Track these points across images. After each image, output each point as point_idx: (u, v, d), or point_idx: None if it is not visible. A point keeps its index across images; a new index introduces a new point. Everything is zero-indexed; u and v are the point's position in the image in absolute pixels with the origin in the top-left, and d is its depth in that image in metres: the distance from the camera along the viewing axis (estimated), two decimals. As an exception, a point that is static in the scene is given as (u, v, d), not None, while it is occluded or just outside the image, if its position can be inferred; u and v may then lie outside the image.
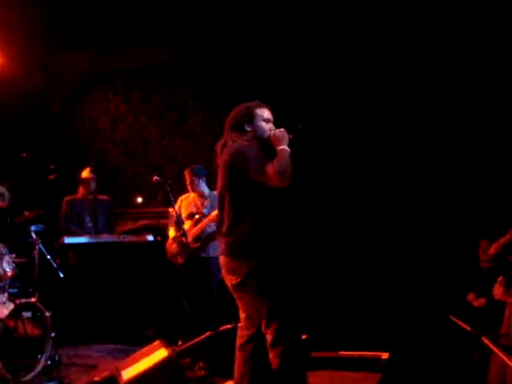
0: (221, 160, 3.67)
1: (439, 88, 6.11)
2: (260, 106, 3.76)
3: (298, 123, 3.74)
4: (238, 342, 3.74)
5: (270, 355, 3.52)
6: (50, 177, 6.11)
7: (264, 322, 3.52)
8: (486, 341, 4.09)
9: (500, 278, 4.17)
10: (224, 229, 3.61)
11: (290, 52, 6.63)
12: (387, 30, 6.20)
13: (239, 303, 3.71)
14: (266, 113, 3.74)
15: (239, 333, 3.76)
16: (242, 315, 3.73)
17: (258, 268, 3.49)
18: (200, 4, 6.54)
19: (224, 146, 3.68)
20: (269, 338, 3.51)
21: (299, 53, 6.60)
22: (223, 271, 3.65)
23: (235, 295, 3.68)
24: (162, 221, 6.86)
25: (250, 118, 3.70)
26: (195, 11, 6.64)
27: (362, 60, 6.36)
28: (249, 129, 3.69)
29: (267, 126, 3.71)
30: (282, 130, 3.65)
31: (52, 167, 6.11)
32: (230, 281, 3.61)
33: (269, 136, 3.66)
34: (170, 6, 6.70)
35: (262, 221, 3.54)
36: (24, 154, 5.25)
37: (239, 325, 3.79)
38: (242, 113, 3.74)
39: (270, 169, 3.43)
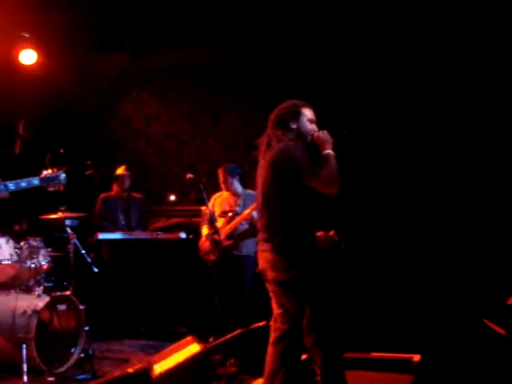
0: (265, 158, 3.64)
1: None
2: (305, 105, 3.72)
3: (342, 128, 3.72)
4: (271, 337, 3.71)
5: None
6: (87, 172, 6.19)
7: (305, 327, 3.49)
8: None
9: None
10: (270, 227, 3.58)
11: (326, 55, 6.62)
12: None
13: (276, 298, 3.67)
14: (310, 112, 3.71)
15: (273, 328, 3.73)
16: (277, 311, 3.69)
17: (304, 272, 3.46)
18: (237, 5, 6.58)
19: (269, 144, 3.65)
20: (309, 342, 3.49)
21: (336, 56, 6.58)
22: (267, 266, 3.59)
23: (274, 289, 3.63)
24: (194, 219, 6.91)
25: (296, 115, 3.65)
26: (233, 12, 6.68)
27: (411, 66, 6.31)
28: (294, 126, 3.64)
29: (311, 126, 3.68)
30: (326, 132, 3.63)
31: (88, 163, 6.19)
32: (273, 276, 3.57)
33: (312, 137, 3.64)
34: (206, 7, 6.76)
35: (310, 222, 3.56)
36: (61, 150, 5.32)
37: (272, 321, 3.78)
38: (288, 110, 3.68)
39: (322, 175, 3.45)
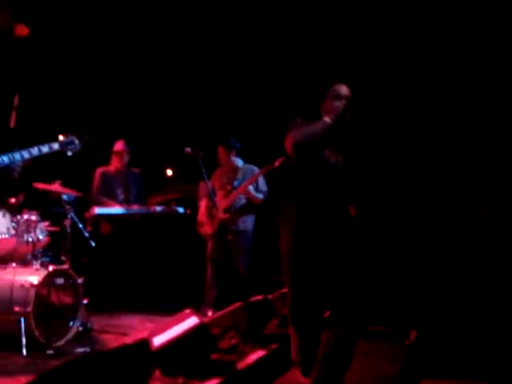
0: None
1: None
2: (336, 84, 3.70)
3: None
4: None
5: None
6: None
7: None
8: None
9: None
10: None
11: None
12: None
13: None
14: (339, 89, 3.67)
15: None
16: None
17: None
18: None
19: None
20: None
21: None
22: None
23: None
24: (192, 193, 6.87)
25: (325, 93, 3.68)
26: None
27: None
28: (324, 104, 3.68)
29: (337, 104, 3.63)
30: (344, 104, 3.58)
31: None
32: None
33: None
34: None
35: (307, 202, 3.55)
36: (86, 138, 5.29)
37: None
38: (325, 87, 3.71)
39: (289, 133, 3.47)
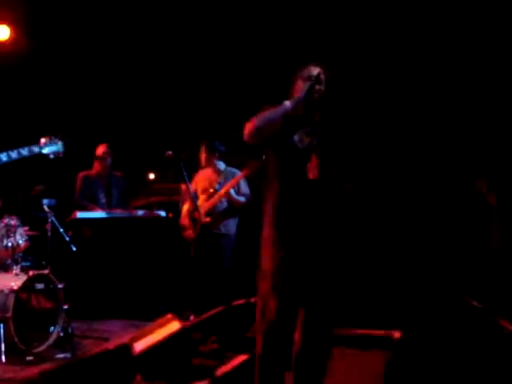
0: None
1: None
2: (311, 65, 3.34)
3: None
4: None
5: None
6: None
7: None
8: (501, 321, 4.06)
9: None
10: None
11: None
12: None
13: None
14: (313, 71, 3.28)
15: None
16: None
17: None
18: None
19: None
20: None
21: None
22: None
23: None
24: (174, 197, 6.85)
25: (296, 75, 3.36)
26: None
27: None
28: (294, 87, 3.34)
29: (303, 85, 3.26)
30: (306, 83, 3.22)
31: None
32: None
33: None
34: None
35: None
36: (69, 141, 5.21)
37: None
38: (296, 70, 3.39)
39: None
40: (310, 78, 3.25)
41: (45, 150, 4.28)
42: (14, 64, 6.92)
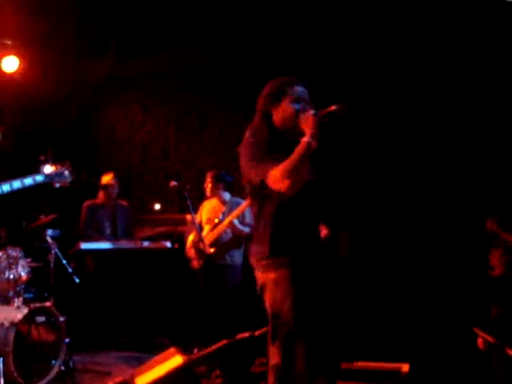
0: None
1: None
2: (293, 82, 3.16)
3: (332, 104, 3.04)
4: None
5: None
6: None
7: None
8: (510, 352, 3.96)
9: None
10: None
11: (311, 58, 6.55)
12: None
13: None
14: (298, 90, 3.13)
15: None
16: None
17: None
18: (219, 10, 6.50)
19: None
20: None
21: (318, 59, 6.51)
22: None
23: None
24: (179, 227, 6.80)
25: (278, 97, 3.12)
26: (214, 16, 6.60)
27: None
28: (275, 111, 3.13)
29: (296, 107, 3.09)
30: (309, 112, 3.00)
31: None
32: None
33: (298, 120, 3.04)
34: (188, 12, 6.67)
35: (282, 227, 3.06)
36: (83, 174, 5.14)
37: None
38: (270, 91, 3.16)
39: (274, 171, 2.89)
40: (299, 99, 3.12)
41: (50, 179, 4.13)
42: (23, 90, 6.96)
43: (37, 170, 4.09)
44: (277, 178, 2.89)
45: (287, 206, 3.05)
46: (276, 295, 3.02)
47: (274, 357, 3.03)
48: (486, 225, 4.57)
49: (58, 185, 4.15)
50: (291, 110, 3.09)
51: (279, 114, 3.13)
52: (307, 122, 2.96)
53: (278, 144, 3.05)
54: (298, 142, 2.95)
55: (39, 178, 4.03)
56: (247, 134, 3.12)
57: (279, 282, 3.01)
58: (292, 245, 3.05)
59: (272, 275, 3.03)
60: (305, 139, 2.92)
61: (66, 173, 4.16)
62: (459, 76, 5.98)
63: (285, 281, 2.99)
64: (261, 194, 3.04)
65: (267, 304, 3.07)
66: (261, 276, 3.11)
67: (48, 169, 4.09)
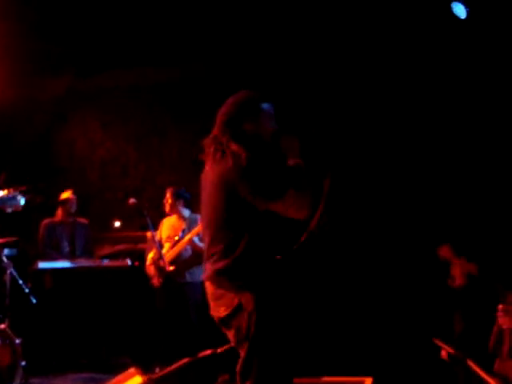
0: (214, 170, 2.98)
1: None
2: (263, 99, 3.05)
3: (311, 127, 3.05)
4: None
5: None
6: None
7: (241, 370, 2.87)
8: (470, 363, 4.00)
9: (500, 307, 4.02)
10: (212, 253, 2.98)
11: (276, 75, 6.57)
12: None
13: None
14: (270, 107, 3.04)
15: None
16: None
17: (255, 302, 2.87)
18: (176, 28, 6.49)
19: (223, 153, 2.92)
20: None
21: (283, 76, 6.54)
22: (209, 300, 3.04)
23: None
24: (139, 245, 6.73)
25: (255, 112, 2.99)
26: (173, 34, 6.59)
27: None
28: (249, 127, 2.96)
29: (272, 125, 3.02)
30: (292, 137, 2.96)
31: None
32: (216, 313, 2.98)
33: (280, 141, 2.96)
34: (146, 30, 6.65)
35: (260, 245, 2.93)
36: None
37: None
38: (245, 105, 3.01)
39: (289, 195, 2.79)
40: (272, 116, 3.04)
41: (2, 204, 4.06)
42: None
43: None
44: (299, 206, 2.82)
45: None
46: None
47: None
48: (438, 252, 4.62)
49: (9, 209, 4.07)
50: (271, 128, 3.00)
51: (253, 130, 2.97)
52: (292, 148, 2.93)
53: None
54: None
55: None
56: (235, 149, 2.89)
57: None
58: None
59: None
60: (300, 162, 2.89)
61: (19, 197, 4.07)
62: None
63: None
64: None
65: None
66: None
67: (0, 193, 4.01)
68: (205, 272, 3.07)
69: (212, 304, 3.00)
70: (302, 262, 3.12)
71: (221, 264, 2.93)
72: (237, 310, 2.87)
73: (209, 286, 3.01)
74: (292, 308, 3.01)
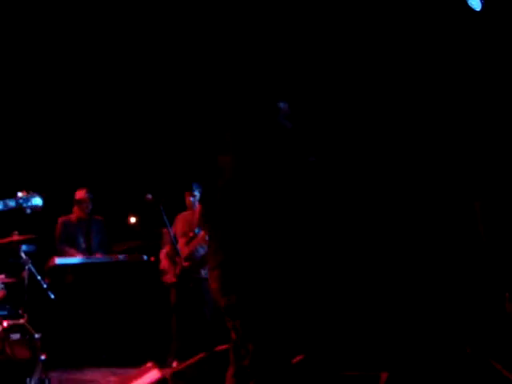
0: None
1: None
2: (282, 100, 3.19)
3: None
4: None
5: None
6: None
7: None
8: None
9: None
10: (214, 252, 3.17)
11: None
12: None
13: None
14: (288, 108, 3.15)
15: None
16: None
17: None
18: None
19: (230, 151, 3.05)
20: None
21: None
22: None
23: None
24: (155, 241, 6.75)
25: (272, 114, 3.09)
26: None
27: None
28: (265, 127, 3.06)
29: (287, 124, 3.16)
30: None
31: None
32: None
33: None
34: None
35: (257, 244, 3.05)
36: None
37: None
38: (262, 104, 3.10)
39: None
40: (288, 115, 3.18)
41: (21, 205, 4.08)
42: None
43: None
44: None
45: None
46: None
47: None
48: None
49: (29, 211, 4.09)
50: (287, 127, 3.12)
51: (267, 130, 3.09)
52: None
53: None
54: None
55: (11, 203, 3.96)
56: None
57: None
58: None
59: None
60: None
61: (38, 198, 4.10)
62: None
63: None
64: None
65: None
66: None
67: (19, 194, 4.05)
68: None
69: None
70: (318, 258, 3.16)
71: (218, 259, 3.10)
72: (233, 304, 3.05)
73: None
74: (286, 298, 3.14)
